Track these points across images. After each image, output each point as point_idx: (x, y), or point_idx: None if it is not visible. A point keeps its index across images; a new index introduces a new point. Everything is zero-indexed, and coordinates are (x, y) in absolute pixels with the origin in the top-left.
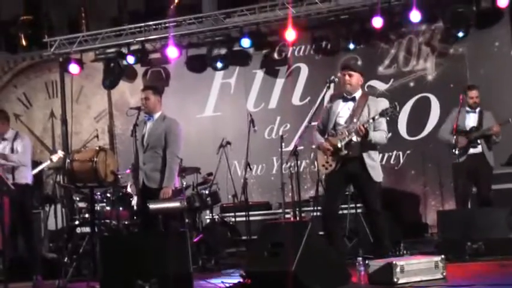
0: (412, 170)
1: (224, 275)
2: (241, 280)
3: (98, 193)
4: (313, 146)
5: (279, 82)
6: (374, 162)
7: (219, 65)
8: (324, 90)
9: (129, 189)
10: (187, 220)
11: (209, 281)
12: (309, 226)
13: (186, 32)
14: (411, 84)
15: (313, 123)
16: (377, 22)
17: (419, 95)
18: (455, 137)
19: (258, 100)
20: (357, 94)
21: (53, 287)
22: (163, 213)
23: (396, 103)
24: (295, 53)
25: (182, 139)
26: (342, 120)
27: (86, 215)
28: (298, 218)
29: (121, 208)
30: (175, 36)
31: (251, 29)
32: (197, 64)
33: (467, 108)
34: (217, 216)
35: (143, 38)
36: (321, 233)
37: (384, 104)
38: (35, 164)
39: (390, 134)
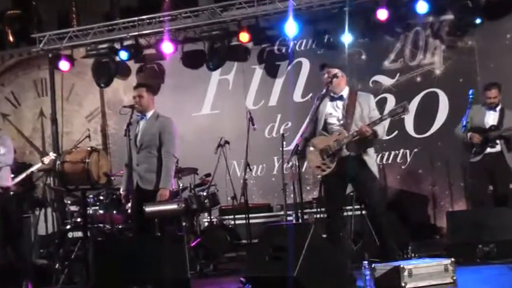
0: (420, 169)
1: (223, 280)
2: (241, 286)
3: (91, 196)
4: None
5: (280, 78)
6: (371, 159)
7: (216, 62)
8: (326, 86)
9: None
10: (184, 223)
11: None
12: (311, 229)
13: (182, 26)
14: (418, 79)
15: (304, 125)
16: (382, 14)
17: (427, 91)
18: (469, 133)
19: (258, 97)
20: (345, 92)
21: None
22: (160, 217)
23: (406, 102)
24: (297, 47)
25: (178, 138)
26: (333, 120)
27: (78, 219)
28: (300, 221)
29: (114, 211)
30: (170, 31)
31: (250, 22)
32: (193, 60)
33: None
34: (215, 219)
35: (136, 33)
36: (324, 235)
37: (373, 98)
38: (25, 166)
39: (396, 132)
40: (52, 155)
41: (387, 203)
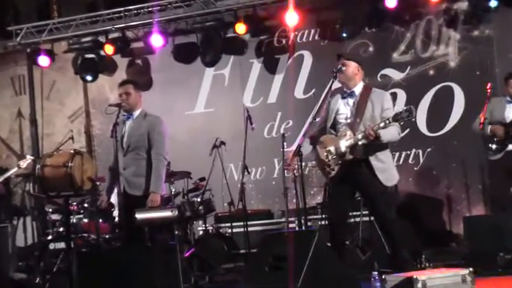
0: (434, 171)
1: None
2: None
3: (74, 203)
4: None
5: (280, 73)
6: (383, 164)
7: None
8: (331, 81)
9: (112, 200)
10: (177, 232)
11: None
12: (316, 236)
13: (172, 17)
14: (431, 72)
15: (318, 120)
16: (391, 2)
17: (440, 85)
18: (489, 126)
19: (256, 94)
20: (357, 88)
21: None
22: (152, 225)
23: (412, 107)
24: (298, 39)
25: (168, 138)
26: (341, 119)
27: (61, 229)
28: (303, 228)
29: (100, 220)
30: (159, 22)
31: (246, 12)
32: (185, 54)
33: (508, 98)
34: (211, 227)
35: (123, 25)
36: (329, 244)
37: (388, 96)
38: (1, 171)
39: (408, 130)
40: (29, 158)
41: (398, 208)
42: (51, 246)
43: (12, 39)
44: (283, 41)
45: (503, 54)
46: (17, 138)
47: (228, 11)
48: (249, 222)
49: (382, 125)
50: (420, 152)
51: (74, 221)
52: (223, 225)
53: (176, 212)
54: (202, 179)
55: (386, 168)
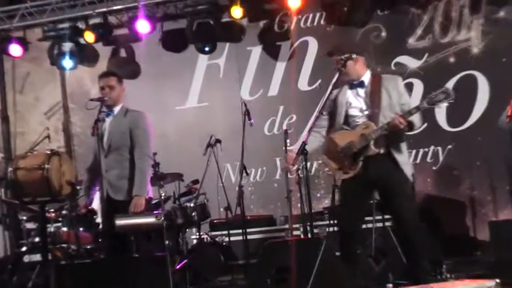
0: (455, 170)
1: None
2: None
3: (52, 210)
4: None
5: (281, 62)
6: (403, 157)
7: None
8: (336, 76)
9: (94, 206)
10: (167, 241)
11: None
12: (323, 245)
13: (160, 0)
14: (452, 59)
15: (325, 115)
16: None
17: (462, 73)
18: None
19: (255, 86)
20: (366, 77)
21: None
22: (134, 232)
23: (448, 87)
24: (301, 23)
25: (153, 135)
26: (356, 111)
27: (36, 239)
28: (309, 235)
29: (81, 228)
30: (146, 6)
31: None
32: (175, 41)
33: None
34: (206, 236)
35: (105, 9)
36: (338, 253)
37: (401, 80)
38: None
39: (426, 125)
40: (0, 159)
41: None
42: (26, 258)
43: None
44: (285, 26)
45: None
46: None
47: None
48: (248, 230)
49: (414, 110)
50: (440, 149)
51: (52, 229)
52: (219, 233)
53: (162, 218)
54: (195, 182)
55: (407, 161)
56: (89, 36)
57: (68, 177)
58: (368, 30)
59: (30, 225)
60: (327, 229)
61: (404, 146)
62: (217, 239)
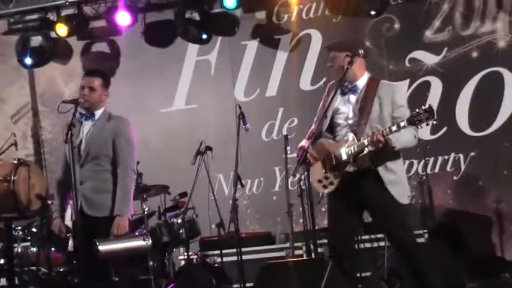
0: (479, 181)
1: None
2: None
3: (19, 228)
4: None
5: (281, 58)
6: (394, 175)
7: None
8: (344, 69)
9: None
10: (151, 263)
11: None
12: (328, 266)
13: None
14: (475, 54)
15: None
16: None
17: (487, 70)
18: None
19: (251, 85)
20: (361, 81)
21: None
22: (120, 257)
23: (431, 104)
24: (303, 14)
25: (137, 146)
26: (341, 119)
27: (1, 261)
28: (313, 255)
29: (53, 248)
30: None
31: None
32: (160, 35)
33: None
34: (195, 256)
35: None
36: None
37: (402, 89)
38: None
39: (445, 129)
40: None
41: (433, 228)
42: None
43: None
44: (285, 17)
45: None
46: None
47: None
48: (243, 249)
49: (394, 128)
50: (462, 156)
51: (19, 250)
52: (210, 253)
53: (150, 241)
54: (183, 195)
55: (399, 181)
56: (61, 29)
57: (37, 190)
58: (379, 21)
59: None
60: None
61: (397, 163)
62: (208, 260)
